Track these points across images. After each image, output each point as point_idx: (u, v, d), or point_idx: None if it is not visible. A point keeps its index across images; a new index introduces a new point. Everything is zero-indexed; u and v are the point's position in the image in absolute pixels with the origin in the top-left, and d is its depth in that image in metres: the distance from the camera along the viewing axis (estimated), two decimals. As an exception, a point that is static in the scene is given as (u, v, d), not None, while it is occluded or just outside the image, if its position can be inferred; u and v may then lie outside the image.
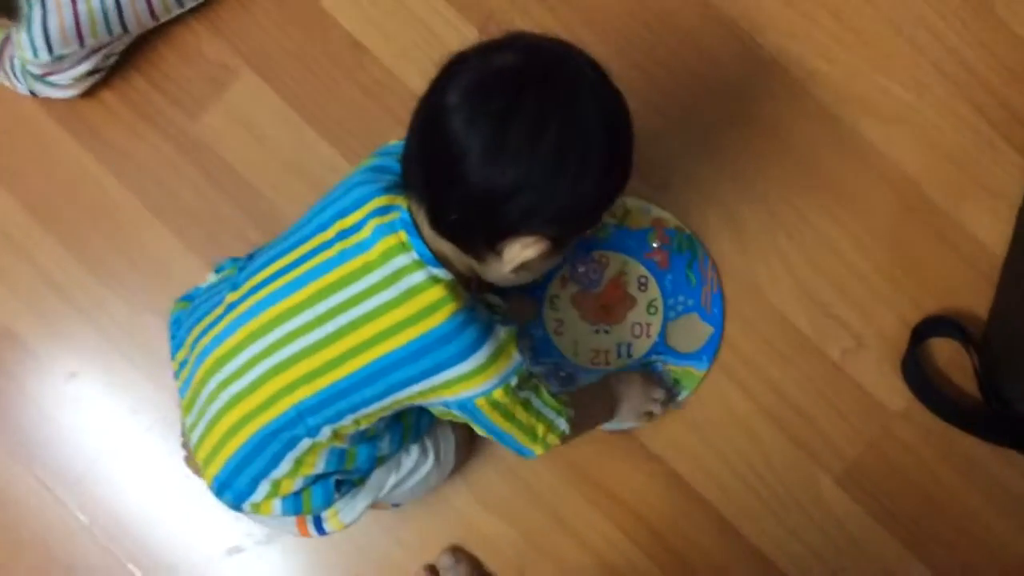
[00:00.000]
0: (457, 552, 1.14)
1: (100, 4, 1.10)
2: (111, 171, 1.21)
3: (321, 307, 0.84)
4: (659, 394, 1.11)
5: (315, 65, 1.21)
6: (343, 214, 0.86)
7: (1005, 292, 1.12)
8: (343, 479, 0.93)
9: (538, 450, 0.92)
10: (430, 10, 1.21)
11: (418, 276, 0.81)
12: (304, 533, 0.98)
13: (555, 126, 0.76)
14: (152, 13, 1.15)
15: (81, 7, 1.09)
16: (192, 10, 1.21)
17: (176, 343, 0.97)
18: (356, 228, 0.84)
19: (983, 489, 1.13)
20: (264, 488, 0.90)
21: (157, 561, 1.17)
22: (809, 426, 1.14)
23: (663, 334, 1.15)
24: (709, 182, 1.18)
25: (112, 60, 1.19)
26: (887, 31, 1.20)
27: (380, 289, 0.82)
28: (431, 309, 0.81)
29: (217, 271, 1.04)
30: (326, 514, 0.96)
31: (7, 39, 1.15)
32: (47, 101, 1.20)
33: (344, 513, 0.97)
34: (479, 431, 0.90)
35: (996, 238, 1.16)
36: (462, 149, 0.76)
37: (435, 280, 0.82)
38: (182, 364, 0.94)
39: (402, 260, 0.82)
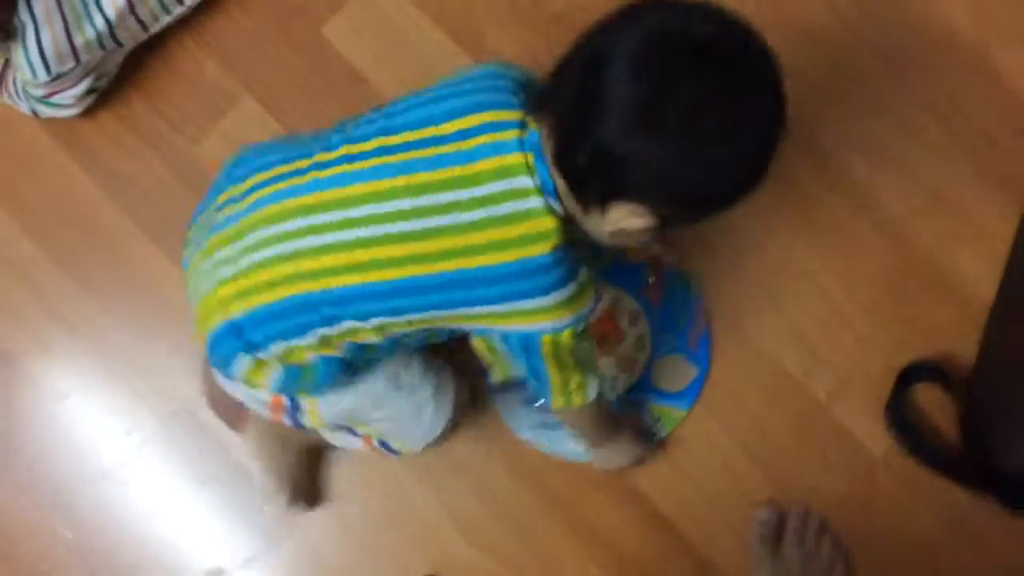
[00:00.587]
0: (438, 583, 1.14)
1: (93, 30, 1.11)
2: (109, 195, 1.22)
3: (424, 200, 0.80)
4: (639, 452, 1.10)
5: (315, 94, 1.23)
6: (463, 112, 0.82)
7: (991, 340, 1.12)
8: (352, 360, 0.90)
9: (559, 402, 0.91)
10: (431, 44, 1.22)
11: (535, 201, 0.79)
12: (277, 419, 0.96)
13: (723, 114, 0.72)
14: (143, 26, 1.16)
15: (77, 39, 1.10)
16: (194, 35, 1.22)
17: (232, 179, 0.91)
18: (475, 132, 0.80)
19: (965, 535, 1.11)
20: (277, 349, 0.86)
21: (140, 580, 1.17)
22: (792, 468, 1.14)
23: (649, 372, 1.15)
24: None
25: (105, 81, 1.19)
26: (878, 71, 1.20)
27: (493, 202, 0.79)
28: (538, 237, 0.79)
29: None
30: (305, 406, 0.94)
31: (7, 62, 1.17)
32: (49, 124, 1.21)
33: (325, 407, 0.94)
34: (501, 372, 0.89)
35: (984, 281, 1.15)
36: (616, 99, 0.72)
37: (550, 210, 0.79)
38: (232, 199, 0.89)
39: (523, 181, 0.79)
